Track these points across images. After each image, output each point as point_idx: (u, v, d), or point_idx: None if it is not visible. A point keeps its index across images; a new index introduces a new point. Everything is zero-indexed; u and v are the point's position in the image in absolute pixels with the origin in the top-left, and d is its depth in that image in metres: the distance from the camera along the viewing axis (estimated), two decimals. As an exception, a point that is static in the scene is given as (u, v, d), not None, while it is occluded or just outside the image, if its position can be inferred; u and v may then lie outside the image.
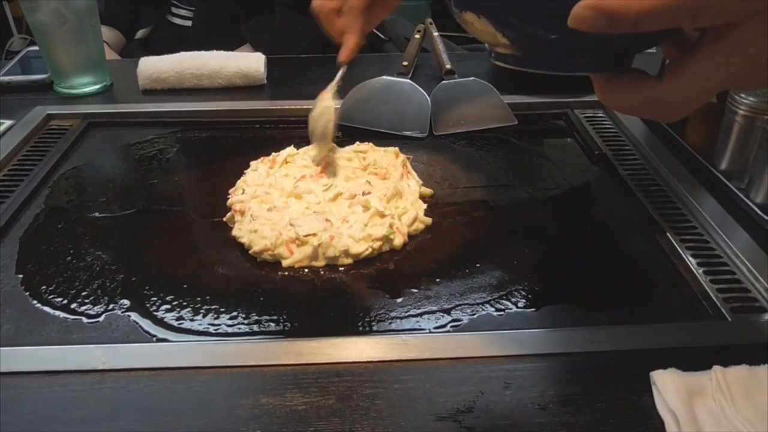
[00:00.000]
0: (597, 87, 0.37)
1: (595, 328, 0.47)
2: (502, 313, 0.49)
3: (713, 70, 0.32)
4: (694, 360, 0.42)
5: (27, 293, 0.51)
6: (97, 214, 0.62)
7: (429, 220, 0.59)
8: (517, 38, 0.37)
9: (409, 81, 0.80)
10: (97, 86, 0.88)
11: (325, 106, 0.64)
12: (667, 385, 0.40)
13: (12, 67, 0.93)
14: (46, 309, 0.50)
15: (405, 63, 0.85)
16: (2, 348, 0.45)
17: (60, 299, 0.51)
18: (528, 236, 0.59)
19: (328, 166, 0.64)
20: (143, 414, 0.40)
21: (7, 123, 0.77)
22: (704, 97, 0.34)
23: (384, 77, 0.80)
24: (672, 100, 0.34)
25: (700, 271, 0.52)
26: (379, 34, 1.19)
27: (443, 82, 0.81)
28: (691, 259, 0.54)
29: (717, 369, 0.41)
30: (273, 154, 0.68)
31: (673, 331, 0.47)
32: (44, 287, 0.52)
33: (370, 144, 0.69)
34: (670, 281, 0.52)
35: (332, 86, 0.65)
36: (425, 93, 0.79)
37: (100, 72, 0.88)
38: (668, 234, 0.57)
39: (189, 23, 1.15)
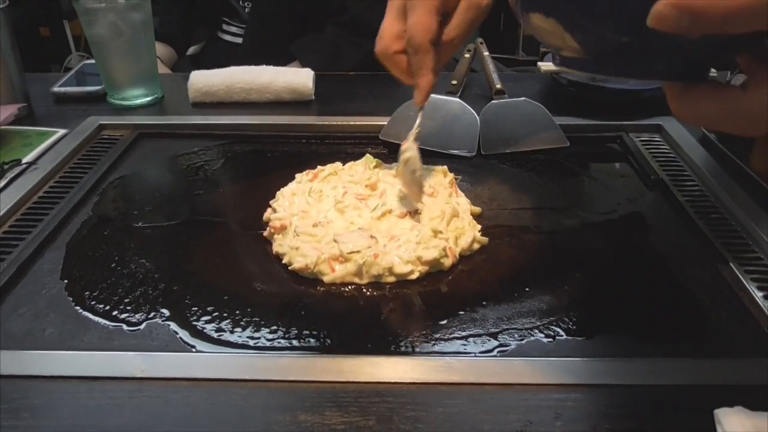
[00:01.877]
0: (670, 97, 0.35)
1: (652, 360, 0.44)
2: (551, 339, 0.47)
3: None
4: (760, 399, 0.39)
5: (71, 298, 0.51)
6: (142, 223, 0.62)
7: (485, 240, 0.58)
8: (587, 41, 0.35)
9: (458, 100, 0.79)
10: (149, 98, 0.89)
11: (408, 158, 0.60)
12: (734, 425, 0.37)
13: (68, 80, 0.95)
14: (89, 315, 0.50)
15: (454, 82, 0.84)
16: (44, 351, 0.45)
17: (102, 306, 0.50)
18: (579, 261, 0.57)
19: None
20: (179, 425, 0.39)
21: (61, 132, 0.79)
22: None
23: (433, 95, 0.79)
24: (756, 113, 0.31)
25: (767, 304, 0.49)
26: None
27: (493, 101, 0.79)
28: (756, 291, 0.50)
29: (789, 410, 0.38)
30: (318, 167, 0.67)
31: (738, 368, 0.43)
32: (88, 293, 0.52)
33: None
34: (733, 314, 0.49)
35: (413, 134, 0.62)
36: (474, 112, 0.77)
37: (152, 85, 0.90)
38: (731, 264, 0.53)
39: (239, 40, 1.17)
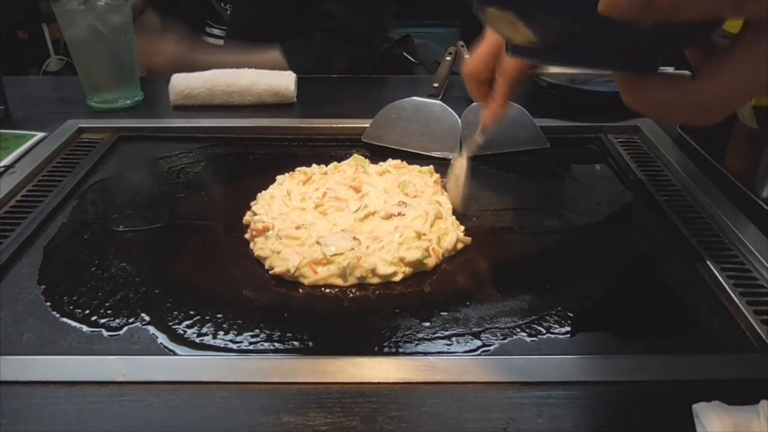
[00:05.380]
0: (622, 88, 0.35)
1: (633, 357, 0.45)
2: (534, 338, 0.47)
3: (754, 67, 0.29)
4: (738, 394, 0.39)
5: (48, 303, 0.51)
6: (122, 227, 0.62)
7: (469, 240, 0.58)
8: (540, 30, 0.34)
9: (439, 102, 0.79)
10: (129, 101, 0.89)
11: (456, 174, 0.63)
12: (712, 419, 0.37)
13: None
14: (67, 320, 0.49)
15: (436, 84, 0.84)
16: (22, 357, 0.45)
17: (81, 310, 0.50)
18: (561, 261, 0.57)
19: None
20: (161, 429, 0.39)
21: (39, 135, 0.78)
22: (742, 98, 0.31)
23: (414, 98, 0.80)
24: (707, 101, 0.31)
25: (743, 301, 0.50)
26: (410, 58, 1.19)
27: (474, 103, 0.80)
28: (732, 288, 0.51)
29: (765, 404, 0.38)
30: (300, 168, 0.67)
31: (717, 363, 0.44)
32: (66, 298, 0.51)
33: (404, 162, 0.69)
34: (711, 311, 0.50)
35: (466, 151, 0.64)
36: (456, 114, 0.78)
37: (133, 87, 0.89)
38: (708, 262, 0.54)
39: (221, 42, 1.17)
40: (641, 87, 0.34)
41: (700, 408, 0.38)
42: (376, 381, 0.42)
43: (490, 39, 0.58)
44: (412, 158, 0.73)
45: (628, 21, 0.29)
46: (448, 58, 0.94)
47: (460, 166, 0.63)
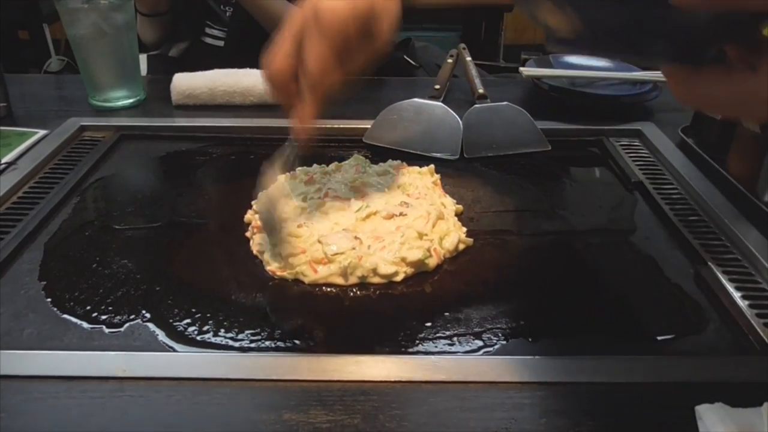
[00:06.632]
0: (675, 82, 0.33)
1: (634, 358, 0.45)
2: (536, 339, 0.47)
3: None
4: (741, 396, 0.39)
5: (49, 299, 0.51)
6: (123, 225, 0.61)
7: (470, 241, 0.58)
8: (592, 19, 0.32)
9: (441, 104, 0.79)
10: (131, 100, 0.88)
11: (268, 198, 0.57)
12: (715, 421, 0.37)
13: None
14: (68, 316, 0.49)
15: (437, 86, 0.84)
16: (23, 351, 0.45)
17: (82, 307, 0.50)
18: (562, 262, 0.57)
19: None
20: (162, 425, 0.39)
21: (41, 132, 0.78)
22: None
23: (416, 100, 0.80)
24: None
25: (745, 304, 0.50)
26: (410, 61, 1.19)
27: (476, 105, 0.80)
28: (735, 291, 0.51)
29: (768, 406, 0.38)
30: (301, 168, 0.67)
31: (719, 365, 0.44)
32: (67, 294, 0.51)
33: (404, 163, 0.69)
34: (714, 313, 0.50)
35: (279, 165, 0.58)
36: (457, 116, 0.78)
37: (135, 86, 0.89)
38: (710, 265, 0.54)
39: (221, 43, 1.17)
40: (694, 81, 0.32)
41: (703, 410, 0.38)
42: (377, 379, 0.42)
43: (291, 33, 0.52)
44: (413, 159, 0.73)
45: (696, 9, 0.27)
46: (450, 61, 0.94)
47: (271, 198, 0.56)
